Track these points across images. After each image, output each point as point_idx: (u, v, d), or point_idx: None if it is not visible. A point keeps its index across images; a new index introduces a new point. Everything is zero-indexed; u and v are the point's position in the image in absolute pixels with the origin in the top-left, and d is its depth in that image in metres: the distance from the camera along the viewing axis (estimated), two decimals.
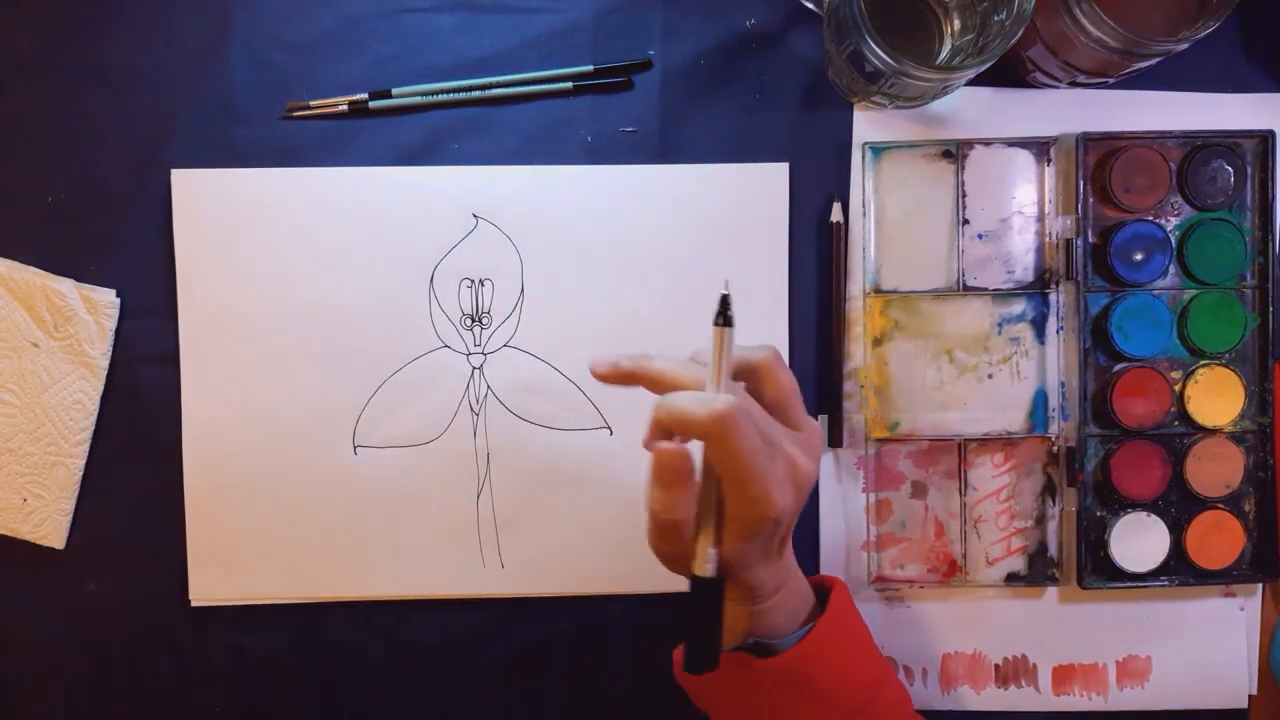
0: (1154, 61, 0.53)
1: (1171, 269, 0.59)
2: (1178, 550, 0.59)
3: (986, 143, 0.59)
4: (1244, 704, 0.61)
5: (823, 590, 0.51)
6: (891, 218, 0.59)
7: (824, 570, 0.60)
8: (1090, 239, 0.58)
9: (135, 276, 0.58)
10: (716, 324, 0.43)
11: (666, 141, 0.59)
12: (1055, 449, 0.59)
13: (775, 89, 0.59)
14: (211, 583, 0.58)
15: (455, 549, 0.59)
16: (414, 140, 0.58)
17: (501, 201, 0.58)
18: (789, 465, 0.43)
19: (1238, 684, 0.60)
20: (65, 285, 0.58)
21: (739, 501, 0.43)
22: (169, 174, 0.58)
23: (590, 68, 0.58)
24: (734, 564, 0.44)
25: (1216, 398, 0.59)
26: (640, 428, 0.43)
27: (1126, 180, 0.58)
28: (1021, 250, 0.59)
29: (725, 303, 0.43)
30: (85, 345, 0.58)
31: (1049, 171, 0.59)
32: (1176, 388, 0.59)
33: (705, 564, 0.44)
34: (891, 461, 0.60)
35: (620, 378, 0.45)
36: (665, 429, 0.43)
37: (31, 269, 0.58)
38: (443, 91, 0.58)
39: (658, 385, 0.44)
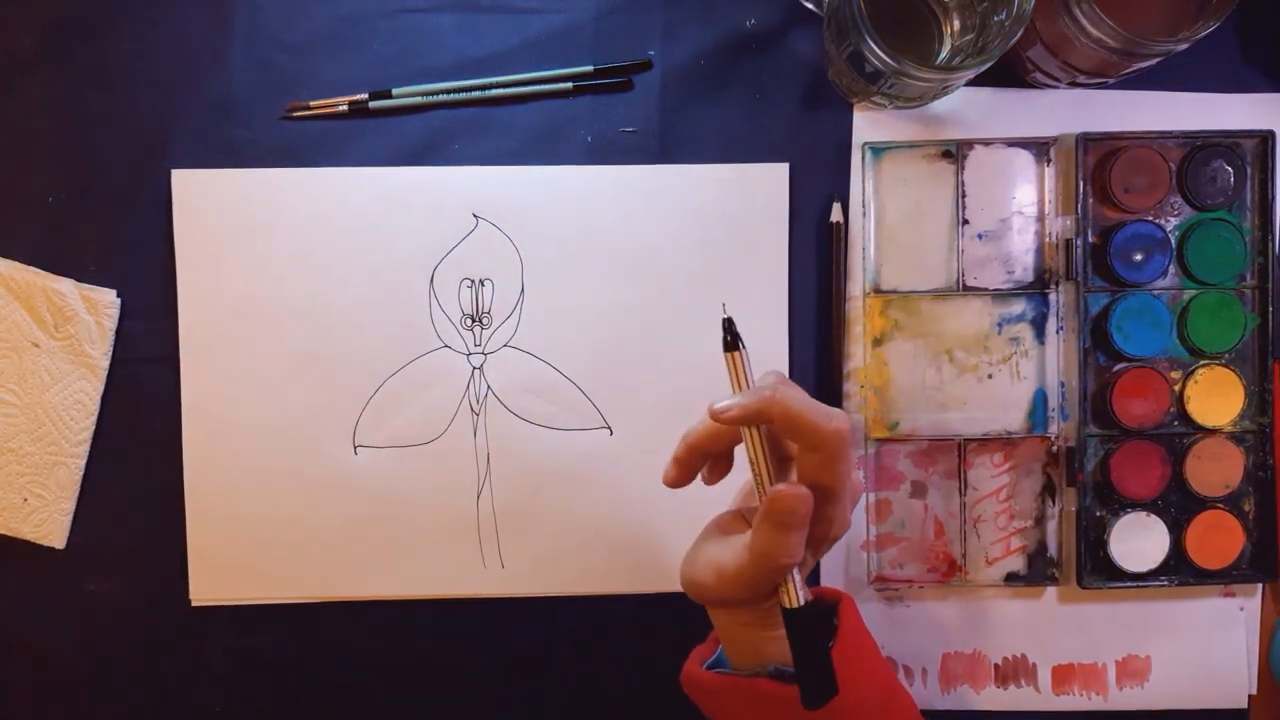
0: (1154, 62, 0.53)
1: (1171, 269, 0.59)
2: (1177, 550, 0.59)
3: (986, 143, 0.59)
4: (1243, 704, 0.61)
5: (826, 604, 0.50)
6: (891, 218, 0.59)
7: (824, 570, 0.60)
8: (1090, 239, 0.58)
9: (136, 276, 0.58)
10: (727, 350, 0.43)
11: (666, 141, 0.59)
12: (1055, 449, 0.59)
13: (775, 89, 0.59)
14: (211, 583, 0.58)
15: (455, 549, 0.59)
16: (414, 140, 0.58)
17: (502, 201, 0.58)
18: (833, 424, 0.43)
19: (1237, 684, 0.60)
20: (66, 285, 0.58)
21: (829, 521, 0.44)
22: (169, 174, 0.58)
23: (590, 68, 0.58)
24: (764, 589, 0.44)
25: (1216, 398, 0.59)
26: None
27: (1126, 180, 0.58)
28: (1021, 250, 0.59)
29: (729, 327, 0.43)
30: (86, 345, 0.58)
31: (1049, 172, 0.59)
32: (1176, 388, 0.59)
33: (797, 593, 0.44)
34: (891, 461, 0.60)
35: (749, 417, 0.43)
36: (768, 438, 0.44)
37: (32, 269, 0.58)
38: (443, 92, 0.58)
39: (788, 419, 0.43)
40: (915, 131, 0.59)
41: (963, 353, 0.59)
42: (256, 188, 0.58)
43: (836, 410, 0.43)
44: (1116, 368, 0.59)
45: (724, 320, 0.44)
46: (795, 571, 0.44)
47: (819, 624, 0.45)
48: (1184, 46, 0.50)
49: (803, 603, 0.44)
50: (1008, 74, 0.58)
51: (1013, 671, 0.60)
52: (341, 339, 0.58)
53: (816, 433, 0.42)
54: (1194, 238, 0.58)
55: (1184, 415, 0.59)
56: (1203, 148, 0.58)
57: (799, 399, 0.43)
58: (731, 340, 0.43)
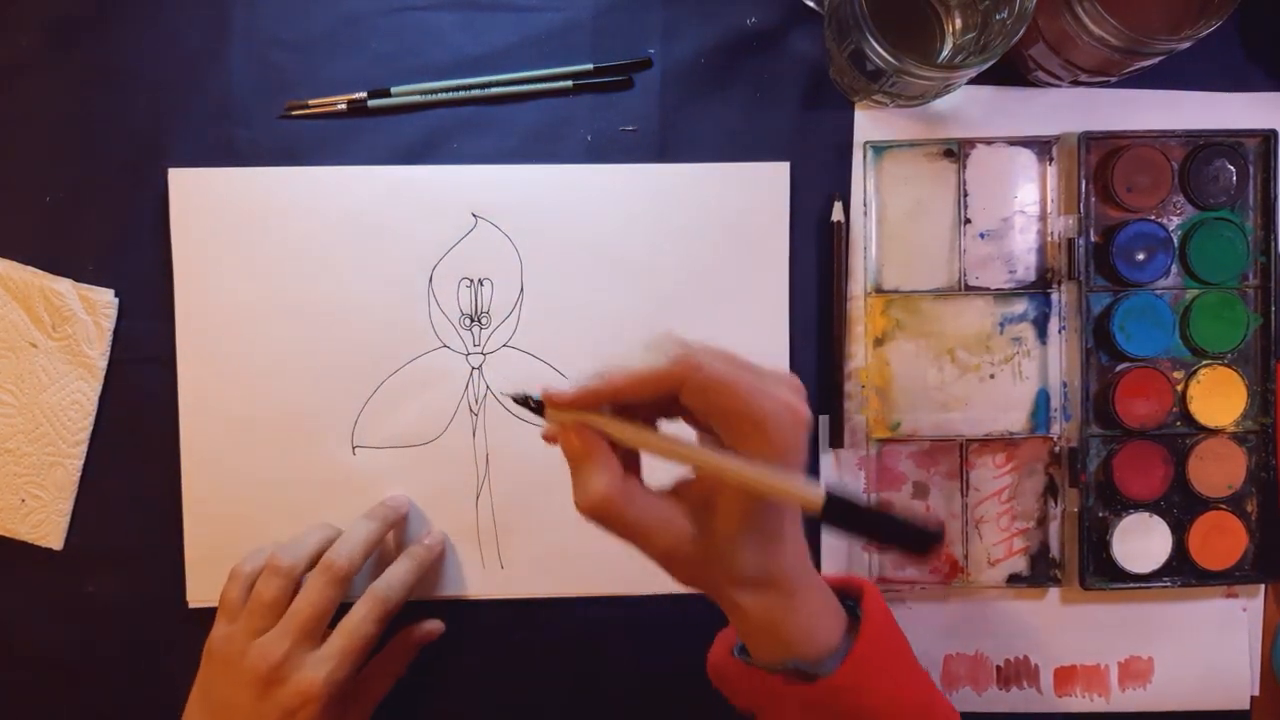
0: (1156, 60, 0.53)
1: (1174, 268, 0.59)
2: (1180, 551, 0.59)
3: (988, 142, 0.59)
4: (1246, 705, 0.60)
5: (849, 597, 0.46)
6: (893, 217, 0.59)
7: (824, 570, 0.59)
8: (1092, 238, 0.58)
9: (134, 277, 0.58)
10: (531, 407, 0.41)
11: (666, 141, 0.59)
12: (1057, 449, 0.59)
13: (776, 88, 0.59)
14: (209, 584, 0.58)
15: (455, 550, 0.59)
16: (413, 139, 0.58)
17: (501, 201, 0.58)
18: (777, 397, 0.39)
19: (1240, 685, 0.60)
20: (64, 285, 0.58)
21: (735, 437, 0.39)
22: (167, 173, 0.58)
23: (590, 66, 0.58)
24: (727, 543, 0.41)
25: (1219, 398, 0.58)
26: None
27: (1128, 179, 0.58)
28: (1023, 250, 0.59)
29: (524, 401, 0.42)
30: (83, 345, 0.58)
31: (1051, 171, 0.59)
32: (1179, 388, 0.59)
33: (811, 490, 0.38)
34: (893, 462, 0.59)
35: (584, 402, 0.40)
36: (617, 392, 0.40)
37: (30, 269, 0.58)
38: (442, 90, 0.58)
39: (625, 394, 0.40)
40: (917, 130, 0.59)
41: (964, 353, 0.59)
42: (254, 187, 0.58)
43: (780, 375, 0.39)
44: (1119, 368, 0.59)
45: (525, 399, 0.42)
46: (789, 477, 0.38)
47: (850, 504, 0.39)
48: (1186, 45, 0.50)
49: (823, 495, 0.38)
50: (1010, 72, 0.58)
51: (1015, 673, 0.60)
52: (340, 339, 0.58)
53: (652, 375, 0.38)
54: (1196, 237, 0.58)
55: (1186, 415, 0.59)
56: (1205, 147, 0.58)
57: (719, 368, 0.38)
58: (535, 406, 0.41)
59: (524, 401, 0.43)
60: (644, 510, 0.40)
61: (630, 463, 0.42)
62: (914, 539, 0.39)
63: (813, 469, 0.59)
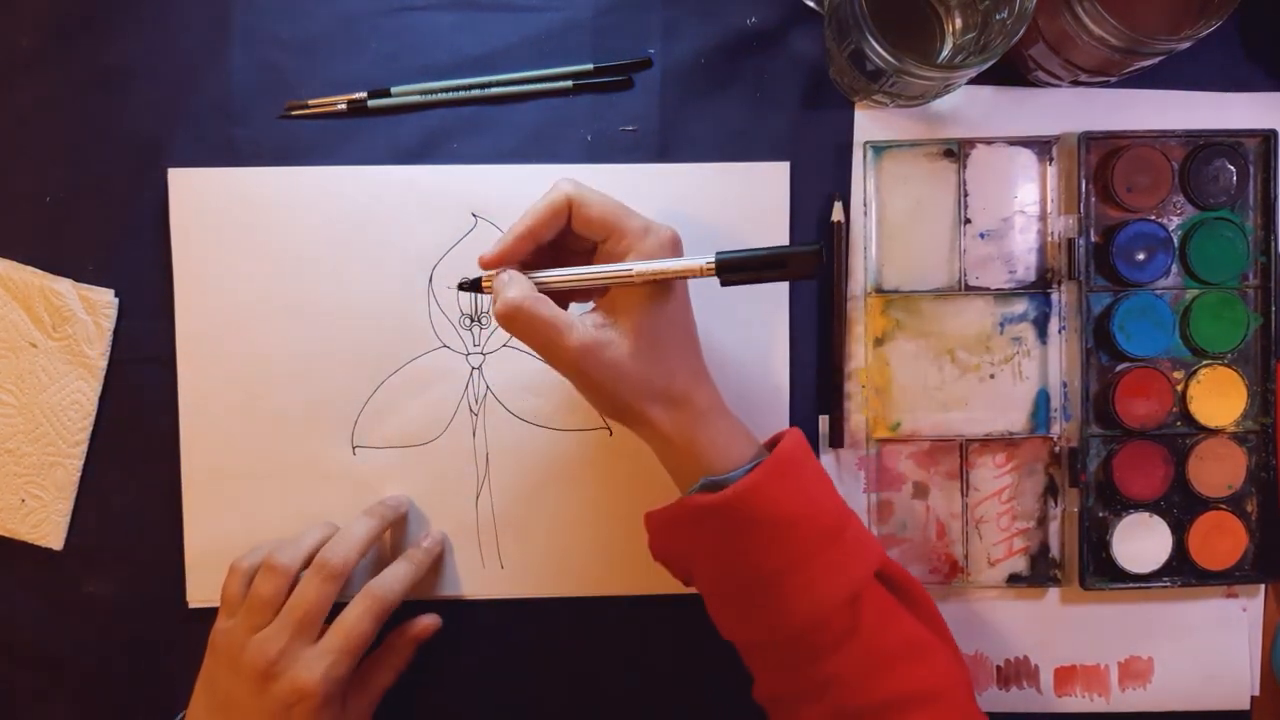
0: (1156, 60, 0.53)
1: (1174, 268, 0.59)
2: (1180, 551, 0.59)
3: (988, 142, 0.59)
4: (1246, 705, 0.60)
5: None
6: (893, 217, 0.59)
7: None
8: (1092, 238, 0.58)
9: (134, 277, 0.58)
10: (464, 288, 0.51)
11: (666, 141, 0.59)
12: (1057, 449, 0.59)
13: (776, 88, 0.59)
14: (209, 584, 0.58)
15: (455, 549, 0.59)
16: (413, 139, 0.58)
17: (501, 201, 0.58)
18: (645, 219, 0.49)
19: (1240, 685, 0.60)
20: (64, 285, 0.58)
21: (623, 248, 0.48)
22: (167, 173, 0.58)
23: (590, 66, 0.58)
24: (632, 358, 0.47)
25: (1219, 398, 0.58)
26: None
27: (1129, 179, 0.58)
28: (1023, 250, 0.59)
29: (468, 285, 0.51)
30: (83, 345, 0.58)
31: (1051, 171, 0.59)
32: (1179, 388, 0.59)
33: (701, 258, 0.47)
34: (893, 462, 0.59)
35: (507, 254, 0.48)
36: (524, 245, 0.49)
37: (30, 269, 0.58)
38: (442, 90, 0.58)
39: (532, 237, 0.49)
40: (917, 130, 0.59)
41: (965, 353, 0.59)
42: (254, 187, 0.58)
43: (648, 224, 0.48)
44: (1119, 368, 0.59)
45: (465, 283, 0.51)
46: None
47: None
48: (1186, 45, 0.50)
49: (714, 255, 0.47)
50: (1010, 72, 0.58)
51: (1015, 673, 0.60)
52: (339, 339, 0.58)
53: (620, 229, 0.48)
54: (1196, 237, 0.58)
55: (1186, 415, 0.59)
56: (1205, 147, 0.58)
57: (594, 192, 0.48)
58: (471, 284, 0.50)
59: (469, 286, 0.50)
60: (553, 315, 0.47)
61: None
62: (793, 260, 0.47)
63: None
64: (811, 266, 0.46)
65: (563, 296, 0.49)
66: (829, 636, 0.47)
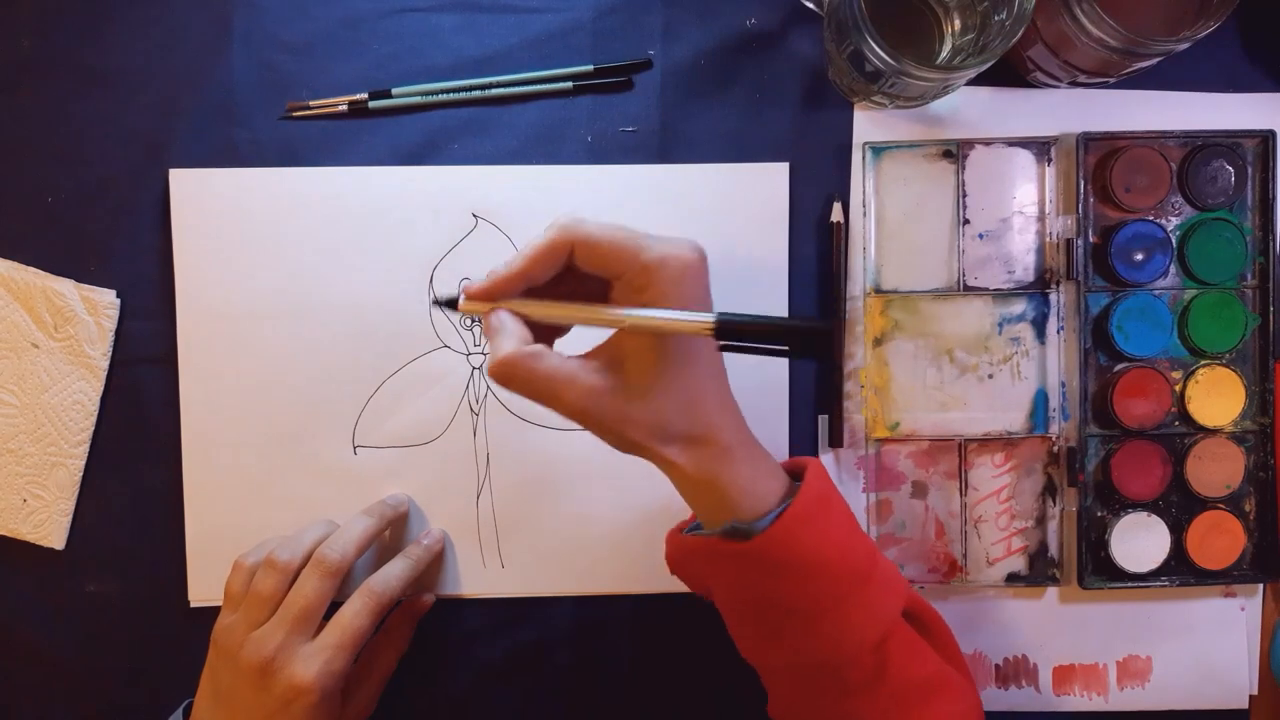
0: (1154, 61, 0.53)
1: (1172, 269, 0.59)
2: (1178, 550, 0.59)
3: (987, 142, 0.59)
4: (1244, 704, 0.61)
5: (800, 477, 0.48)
6: (892, 218, 0.59)
7: None
8: (1091, 239, 0.58)
9: (136, 277, 0.58)
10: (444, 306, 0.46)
11: (666, 141, 0.59)
12: (1056, 449, 0.59)
13: (775, 89, 0.59)
14: (211, 583, 0.58)
15: (455, 548, 0.59)
16: (414, 140, 0.58)
17: (501, 201, 0.58)
18: (664, 247, 0.43)
19: (1238, 684, 0.60)
20: (65, 286, 0.58)
21: (632, 290, 0.43)
22: (168, 174, 0.58)
23: (590, 67, 0.58)
24: (642, 398, 0.44)
25: (1217, 398, 0.59)
26: None
27: (1127, 180, 0.58)
28: (1022, 250, 0.59)
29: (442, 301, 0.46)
30: (85, 346, 0.58)
31: (1049, 171, 0.59)
32: (1177, 388, 0.59)
33: (699, 317, 0.42)
34: (892, 461, 0.60)
35: (497, 290, 0.44)
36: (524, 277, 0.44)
37: (32, 269, 0.58)
38: (443, 91, 0.58)
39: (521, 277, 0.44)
40: (916, 131, 0.59)
41: (963, 353, 0.59)
42: (255, 187, 0.58)
43: (665, 238, 0.42)
44: (1117, 368, 0.59)
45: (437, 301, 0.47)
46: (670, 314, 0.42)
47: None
48: (1185, 46, 0.50)
49: (713, 316, 0.42)
50: (1008, 73, 0.58)
51: (1013, 672, 0.60)
52: (340, 339, 0.58)
53: (633, 265, 0.42)
54: (1195, 237, 0.58)
55: (1185, 415, 0.59)
56: (1204, 147, 0.58)
57: (600, 228, 0.43)
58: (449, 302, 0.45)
59: (445, 304, 0.46)
60: (551, 369, 0.43)
61: (547, 339, 0.46)
62: (803, 337, 0.41)
63: None
64: (824, 348, 0.42)
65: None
66: (857, 676, 0.46)
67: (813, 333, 0.42)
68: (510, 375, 0.43)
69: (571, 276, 0.45)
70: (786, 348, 0.42)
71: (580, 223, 0.43)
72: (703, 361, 0.45)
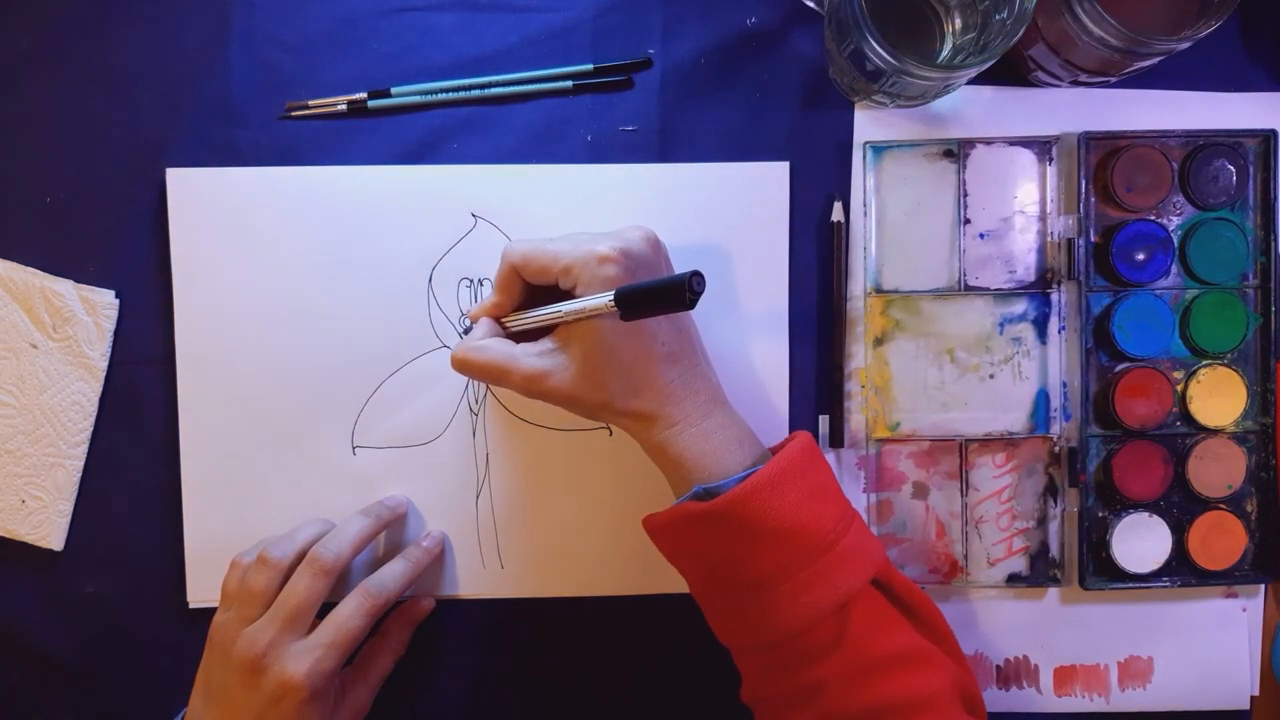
0: (1156, 60, 0.53)
1: (1174, 268, 0.59)
2: (1179, 551, 0.59)
3: (988, 142, 0.59)
4: (1246, 705, 0.60)
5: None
6: (892, 217, 0.59)
7: None
8: (1092, 238, 0.58)
9: (135, 277, 0.58)
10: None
11: (666, 140, 0.59)
12: (1057, 449, 0.59)
13: (775, 88, 0.59)
14: (209, 584, 0.58)
15: (454, 549, 0.59)
16: (413, 139, 0.58)
17: (501, 201, 0.58)
18: (579, 248, 0.49)
19: (1240, 685, 0.60)
20: (64, 286, 0.58)
21: (568, 289, 0.49)
22: (167, 173, 0.58)
23: (590, 66, 0.58)
24: (590, 379, 0.49)
25: (1219, 398, 0.58)
26: None
27: (1128, 179, 0.58)
28: (1023, 250, 0.59)
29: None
30: (84, 346, 0.58)
31: (1051, 171, 0.59)
32: (1178, 388, 0.59)
33: (602, 299, 0.45)
34: (893, 462, 0.59)
35: (489, 314, 0.53)
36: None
37: (30, 270, 0.58)
38: (442, 91, 0.58)
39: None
40: (916, 130, 0.59)
41: (964, 353, 0.59)
42: (254, 187, 0.58)
43: (591, 235, 0.50)
44: (1119, 368, 0.59)
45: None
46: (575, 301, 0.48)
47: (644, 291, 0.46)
48: (1186, 45, 0.50)
49: (612, 293, 0.45)
50: (1009, 72, 0.58)
51: (1014, 673, 0.60)
52: (339, 339, 0.58)
53: (556, 272, 0.49)
54: (1196, 237, 0.58)
55: (1186, 415, 0.59)
56: (1205, 147, 0.58)
57: (528, 247, 0.50)
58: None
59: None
60: (490, 358, 0.50)
61: (532, 338, 0.52)
62: (676, 289, 0.43)
63: None
64: (692, 293, 0.42)
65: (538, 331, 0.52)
66: (816, 643, 0.47)
67: (680, 281, 0.43)
68: (461, 363, 0.51)
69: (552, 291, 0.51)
70: (677, 302, 0.43)
71: (514, 247, 0.50)
72: (643, 342, 0.49)
